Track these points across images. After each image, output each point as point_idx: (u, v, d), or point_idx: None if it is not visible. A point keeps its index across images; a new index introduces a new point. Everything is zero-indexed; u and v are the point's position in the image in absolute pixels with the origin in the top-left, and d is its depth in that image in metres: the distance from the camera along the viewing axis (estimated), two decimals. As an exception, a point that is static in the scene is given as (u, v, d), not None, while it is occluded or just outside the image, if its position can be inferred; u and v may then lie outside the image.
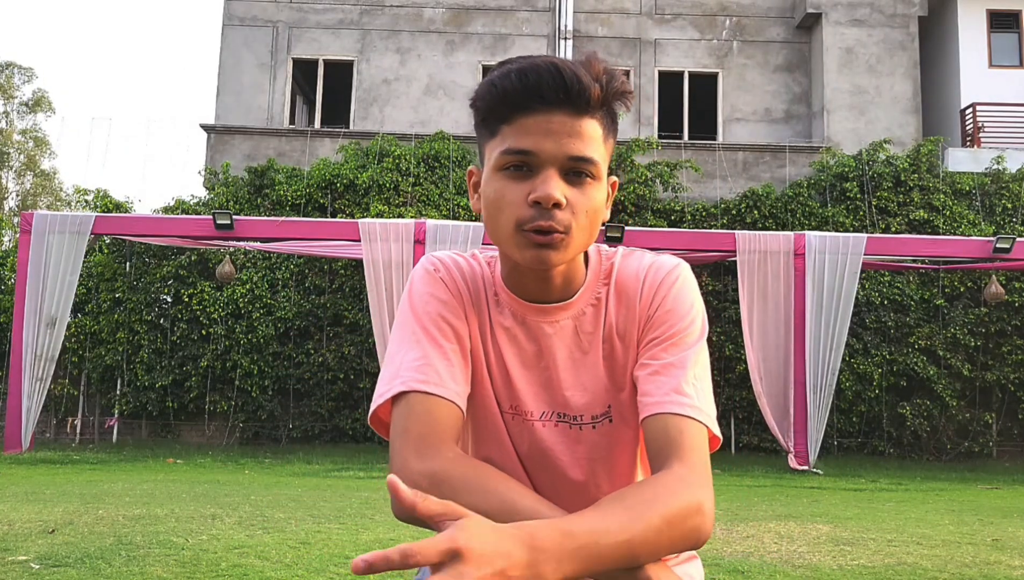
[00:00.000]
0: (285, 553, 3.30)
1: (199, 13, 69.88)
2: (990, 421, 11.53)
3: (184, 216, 10.95)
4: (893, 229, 11.89)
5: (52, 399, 10.98)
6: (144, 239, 10.51)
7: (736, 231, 9.74)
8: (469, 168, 1.15)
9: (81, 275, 9.95)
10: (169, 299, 11.78)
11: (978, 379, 11.45)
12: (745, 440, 11.36)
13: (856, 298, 9.78)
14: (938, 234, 11.61)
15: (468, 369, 1.11)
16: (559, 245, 1.03)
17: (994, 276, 10.67)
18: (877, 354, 11.33)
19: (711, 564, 3.32)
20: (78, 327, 11.51)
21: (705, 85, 14.99)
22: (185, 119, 28.80)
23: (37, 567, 2.96)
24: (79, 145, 28.77)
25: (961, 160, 13.30)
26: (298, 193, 11.95)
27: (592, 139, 1.03)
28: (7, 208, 29.77)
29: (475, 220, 9.92)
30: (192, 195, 12.48)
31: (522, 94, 1.01)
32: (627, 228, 9.72)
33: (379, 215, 11.33)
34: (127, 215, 11.10)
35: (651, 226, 11.45)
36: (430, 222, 9.22)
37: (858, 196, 12.19)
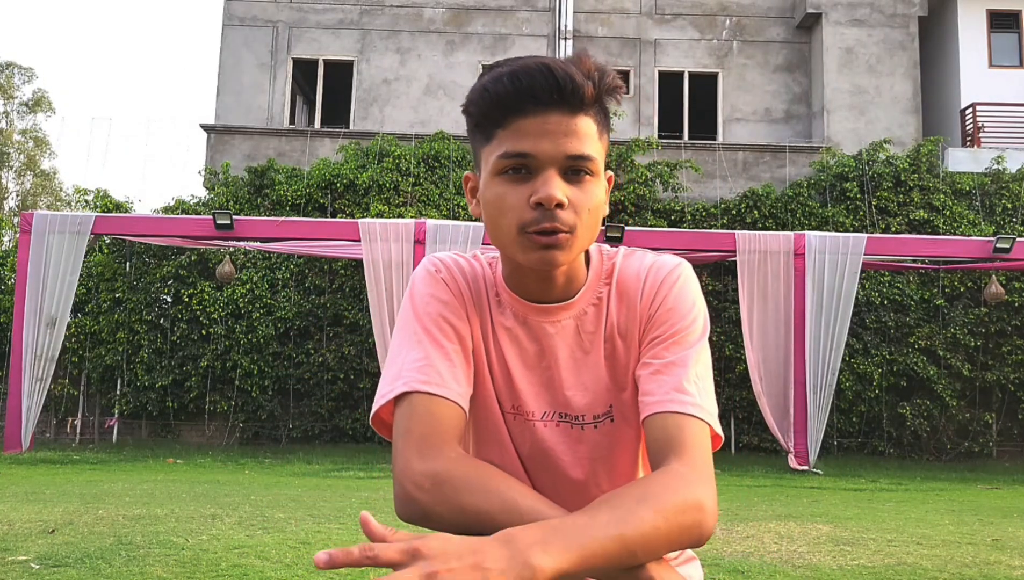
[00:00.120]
0: (285, 553, 3.30)
1: (199, 13, 69.91)
2: (990, 421, 11.53)
3: (184, 216, 10.95)
4: (893, 229, 11.89)
5: (52, 399, 10.98)
6: (144, 239, 10.51)
7: (736, 231, 9.74)
8: (465, 174, 1.15)
9: (81, 275, 9.95)
10: (169, 299, 11.78)
11: (978, 379, 11.45)
12: (745, 440, 11.36)
13: (856, 298, 9.78)
14: (938, 234, 11.61)
15: (470, 369, 1.11)
16: (564, 245, 1.03)
17: (994, 276, 10.68)
18: (877, 354, 11.33)
19: (711, 564, 3.32)
20: (78, 327, 11.51)
21: (705, 85, 14.99)
22: (185, 119, 28.84)
23: (37, 567, 2.96)
24: (79, 145, 28.80)
25: (961, 160, 13.30)
26: (298, 193, 11.95)
27: (588, 136, 1.03)
28: (7, 208, 29.78)
29: (475, 220, 9.92)
30: (192, 195, 12.48)
31: (515, 97, 1.00)
32: (627, 228, 9.72)
33: (379, 215, 11.33)
34: (127, 215, 11.10)
35: (651, 226, 11.45)
36: (430, 222, 9.22)
37: (858, 196, 12.19)
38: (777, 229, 11.45)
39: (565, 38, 14.59)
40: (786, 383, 9.25)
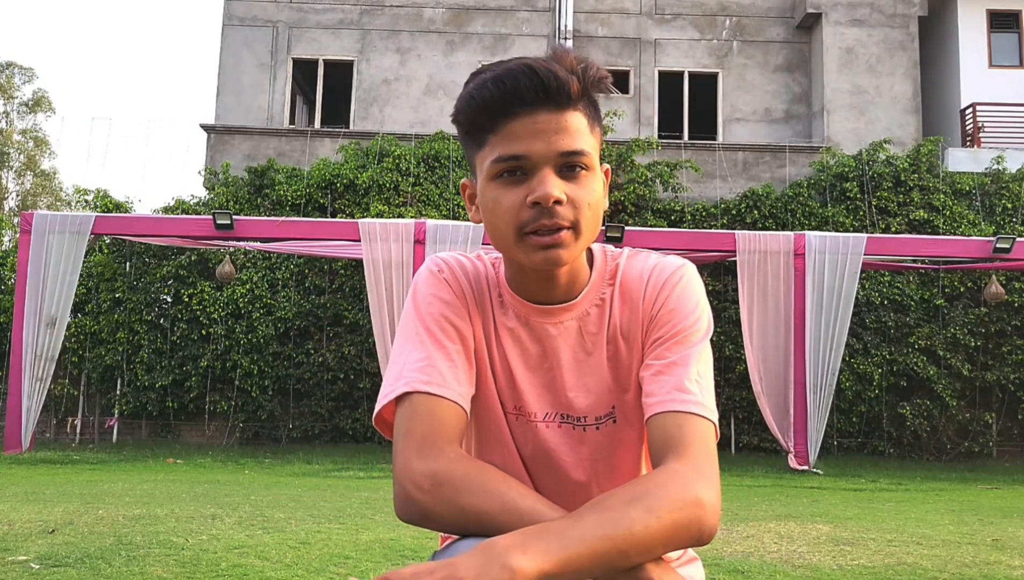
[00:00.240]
0: (285, 553, 3.30)
1: (199, 13, 69.90)
2: (990, 421, 11.53)
3: (184, 216, 10.95)
4: (893, 229, 11.89)
5: (52, 399, 10.97)
6: (144, 239, 10.51)
7: (736, 231, 9.74)
8: (462, 181, 1.15)
9: (81, 275, 9.95)
10: (169, 299, 11.77)
11: (978, 379, 11.45)
12: (745, 440, 11.36)
13: (856, 298, 9.78)
14: (938, 234, 11.61)
15: (472, 370, 1.11)
16: (567, 242, 1.03)
17: (994, 276, 10.68)
18: (877, 354, 11.33)
19: (711, 564, 3.32)
20: (78, 327, 11.51)
21: (705, 85, 14.99)
22: (185, 119, 28.84)
23: (37, 567, 2.96)
24: (79, 145, 28.77)
25: (961, 160, 13.30)
26: (298, 193, 11.94)
27: (579, 131, 1.03)
28: (7, 208, 29.77)
29: (475, 220, 9.91)
30: (192, 195, 12.48)
31: (502, 101, 1.01)
32: (627, 228, 9.71)
33: (379, 215, 11.33)
34: (127, 215, 11.10)
35: (651, 226, 11.45)
36: (430, 222, 9.22)
37: (858, 196, 12.19)
38: (777, 229, 11.45)
39: (565, 38, 14.59)
40: (786, 383, 9.25)
